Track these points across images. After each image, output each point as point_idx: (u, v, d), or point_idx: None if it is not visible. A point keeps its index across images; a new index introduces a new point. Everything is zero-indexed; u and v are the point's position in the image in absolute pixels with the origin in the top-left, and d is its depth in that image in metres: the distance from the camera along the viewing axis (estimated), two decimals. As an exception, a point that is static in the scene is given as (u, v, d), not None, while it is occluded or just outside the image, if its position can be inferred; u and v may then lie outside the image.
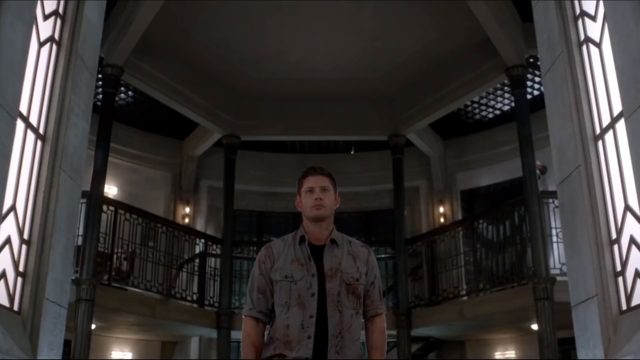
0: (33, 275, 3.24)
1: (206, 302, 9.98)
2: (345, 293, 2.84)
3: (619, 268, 3.13)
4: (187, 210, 11.61)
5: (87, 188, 7.91)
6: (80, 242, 7.64)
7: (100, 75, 8.61)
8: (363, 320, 2.96)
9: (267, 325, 2.94)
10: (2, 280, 3.03)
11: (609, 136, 3.24)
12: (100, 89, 8.87)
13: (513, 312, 8.55)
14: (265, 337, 2.92)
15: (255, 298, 2.92)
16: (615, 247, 3.16)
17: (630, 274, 3.03)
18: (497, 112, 10.91)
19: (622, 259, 3.10)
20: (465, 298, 9.41)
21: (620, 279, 3.12)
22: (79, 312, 7.41)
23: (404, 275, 9.99)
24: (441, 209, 11.54)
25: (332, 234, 2.97)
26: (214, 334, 10.01)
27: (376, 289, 3.00)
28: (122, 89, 10.01)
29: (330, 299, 2.81)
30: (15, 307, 3.14)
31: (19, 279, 3.18)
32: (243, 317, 2.96)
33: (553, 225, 8.17)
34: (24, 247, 3.24)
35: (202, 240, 10.59)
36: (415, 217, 11.77)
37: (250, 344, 2.88)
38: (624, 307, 3.06)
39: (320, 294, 2.82)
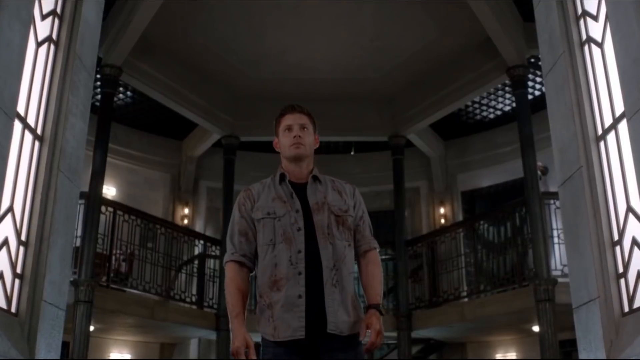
0: (31, 277, 3.22)
1: (205, 304, 9.95)
2: (335, 224, 2.70)
3: (621, 270, 3.10)
4: (186, 211, 11.59)
5: (86, 189, 7.90)
6: (78, 244, 7.62)
7: (98, 76, 8.59)
8: (356, 255, 2.81)
9: (252, 274, 2.76)
10: (0, 282, 3.01)
11: (611, 137, 3.21)
12: (99, 89, 8.85)
13: (514, 313, 8.53)
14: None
15: (237, 242, 2.75)
16: (617, 248, 3.13)
17: (632, 275, 3.00)
18: (498, 112, 10.90)
19: (624, 260, 3.07)
20: (466, 300, 9.40)
21: (622, 280, 3.09)
22: (77, 314, 7.39)
23: (405, 276, 9.97)
24: (442, 210, 11.52)
25: (314, 171, 2.85)
26: (213, 335, 9.98)
27: (366, 224, 2.87)
28: (121, 89, 10.00)
29: (320, 232, 2.65)
30: (13, 309, 3.11)
31: (17, 281, 3.16)
32: (224, 264, 2.77)
33: (554, 226, 8.17)
34: (21, 248, 3.21)
35: (201, 242, 10.57)
36: (415, 218, 11.75)
37: (235, 289, 2.67)
38: (626, 309, 3.03)
39: (308, 229, 2.66)
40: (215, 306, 9.94)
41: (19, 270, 3.18)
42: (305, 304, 2.55)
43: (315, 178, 2.82)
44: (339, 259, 2.65)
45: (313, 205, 2.72)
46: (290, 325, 2.55)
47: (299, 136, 2.82)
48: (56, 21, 3.59)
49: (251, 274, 2.76)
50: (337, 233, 2.69)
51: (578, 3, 3.54)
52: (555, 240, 8.14)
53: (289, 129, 2.86)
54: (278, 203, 2.73)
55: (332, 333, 2.56)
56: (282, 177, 2.82)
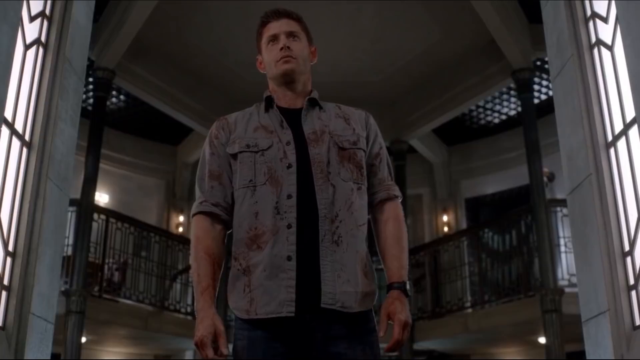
0: (18, 289, 3.13)
1: (201, 314, 9.88)
2: (339, 160, 2.04)
3: (632, 281, 3.01)
4: (181, 219, 11.49)
5: (78, 196, 7.84)
6: (70, 252, 7.57)
7: (91, 79, 8.56)
8: (369, 207, 2.15)
9: (229, 231, 2.10)
10: (-15, 295, 2.93)
11: (621, 143, 3.13)
12: (91, 93, 8.84)
13: (520, 324, 8.49)
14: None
15: (208, 187, 2.09)
16: (628, 259, 3.04)
17: (644, 287, 2.92)
18: (503, 117, 10.86)
19: (636, 271, 2.98)
20: (469, 310, 9.32)
21: (633, 292, 3.00)
22: (68, 325, 7.34)
23: (406, 285, 9.91)
24: (445, 218, 11.46)
25: (312, 94, 2.19)
26: (209, 346, 9.91)
27: (384, 163, 2.19)
28: (114, 92, 9.94)
29: (317, 169, 1.99)
30: (0, 323, 3.04)
31: (4, 293, 3.07)
32: (191, 218, 2.11)
33: (561, 234, 8.11)
34: (8, 259, 3.13)
35: (197, 250, 10.51)
36: (418, 226, 11.69)
37: (203, 253, 1.99)
38: (638, 322, 2.94)
39: (302, 167, 2.00)
40: (212, 316, 9.87)
41: (5, 282, 3.09)
42: (297, 269, 1.90)
43: (314, 102, 2.17)
44: (343, 206, 1.99)
45: (309, 135, 2.06)
46: (274, 296, 1.89)
47: (288, 47, 2.15)
48: (45, 23, 3.50)
49: (228, 232, 2.11)
50: (341, 170, 2.03)
51: (587, 4, 3.47)
52: (562, 248, 8.09)
53: (274, 39, 2.19)
54: (262, 133, 2.08)
55: (328, 308, 1.89)
56: (269, 102, 2.17)
